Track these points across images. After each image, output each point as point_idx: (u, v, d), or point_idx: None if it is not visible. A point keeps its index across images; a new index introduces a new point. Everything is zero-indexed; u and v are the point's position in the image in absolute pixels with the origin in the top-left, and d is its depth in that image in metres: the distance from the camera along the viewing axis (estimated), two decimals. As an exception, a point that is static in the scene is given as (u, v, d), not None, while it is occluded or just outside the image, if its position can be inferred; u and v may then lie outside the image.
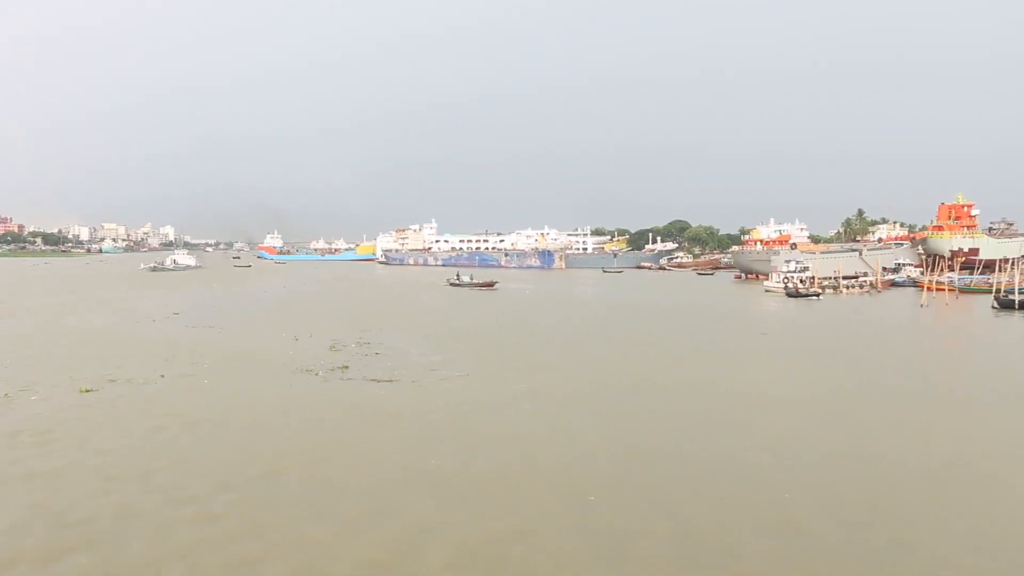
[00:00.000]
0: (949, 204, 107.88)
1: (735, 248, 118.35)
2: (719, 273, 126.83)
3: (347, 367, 25.74)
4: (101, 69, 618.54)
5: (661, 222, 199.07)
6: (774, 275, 76.73)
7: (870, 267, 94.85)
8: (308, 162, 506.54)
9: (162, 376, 23.57)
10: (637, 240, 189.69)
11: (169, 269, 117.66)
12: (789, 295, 64.31)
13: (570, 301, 61.27)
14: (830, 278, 79.79)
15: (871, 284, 79.23)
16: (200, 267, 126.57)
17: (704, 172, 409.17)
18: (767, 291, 74.15)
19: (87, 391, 21.39)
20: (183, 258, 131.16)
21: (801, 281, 73.97)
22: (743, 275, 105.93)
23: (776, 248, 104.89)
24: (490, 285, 75.10)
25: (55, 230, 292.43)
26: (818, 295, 63.33)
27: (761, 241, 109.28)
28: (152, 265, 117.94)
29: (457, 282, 78.53)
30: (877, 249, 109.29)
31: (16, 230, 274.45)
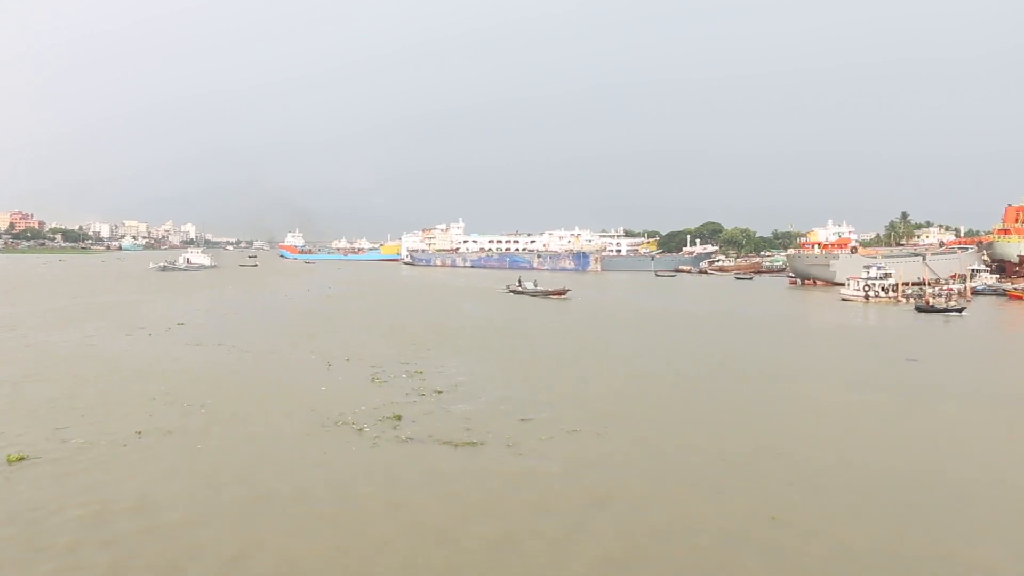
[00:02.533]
0: (1016, 206, 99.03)
1: (790, 251, 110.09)
2: (761, 277, 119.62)
3: (400, 417, 18.16)
4: (126, 70, 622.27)
5: (685, 224, 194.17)
6: (851, 282, 68.35)
7: (935, 273, 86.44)
8: (329, 162, 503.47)
9: (138, 433, 16.11)
10: (668, 242, 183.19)
11: (181, 269, 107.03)
12: (919, 310, 53.66)
13: (640, 312, 52.41)
14: (914, 285, 71.54)
15: (959, 293, 70.49)
16: (215, 267, 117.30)
17: (724, 174, 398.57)
18: (843, 299, 66.08)
19: (19, 459, 14.05)
20: (197, 257, 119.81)
21: (883, 289, 65.82)
22: (799, 280, 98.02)
23: (835, 252, 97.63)
24: (561, 293, 63.85)
25: (76, 227, 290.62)
26: (960, 310, 51.69)
27: (819, 244, 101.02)
28: (162, 264, 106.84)
29: (519, 289, 67.93)
30: (941, 254, 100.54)
31: (36, 226, 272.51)
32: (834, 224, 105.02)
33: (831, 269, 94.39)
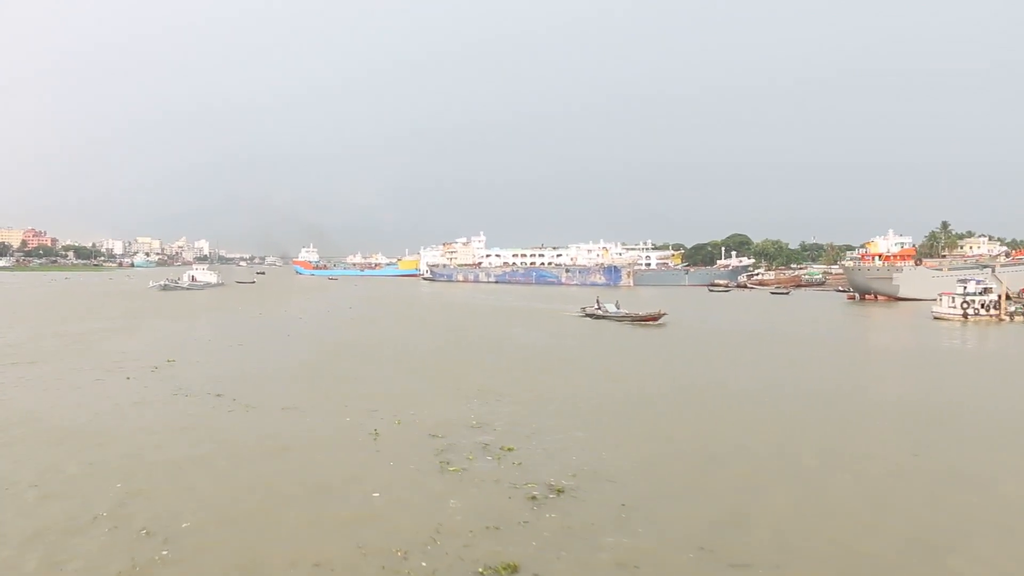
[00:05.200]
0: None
1: (847, 263, 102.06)
2: (800, 291, 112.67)
3: (516, 567, 10.13)
4: (136, 84, 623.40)
5: (707, 236, 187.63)
6: (945, 298, 59.91)
7: (1004, 285, 78.33)
8: (340, 176, 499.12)
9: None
10: (694, 255, 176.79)
11: (184, 288, 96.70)
12: None
13: (742, 334, 43.59)
14: (1019, 300, 63.23)
15: (1066, 309, 61.74)
16: (222, 284, 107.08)
17: (744, 183, 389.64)
18: (936, 317, 58.01)
19: None
20: (202, 274, 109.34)
21: (983, 306, 57.51)
22: (857, 295, 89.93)
23: (898, 264, 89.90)
24: (655, 318, 50.89)
25: (89, 244, 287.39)
26: None
27: (880, 255, 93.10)
28: (163, 283, 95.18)
29: (600, 312, 55.70)
30: (1009, 265, 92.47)
31: (49, 243, 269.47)
32: (895, 234, 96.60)
33: (894, 283, 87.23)
